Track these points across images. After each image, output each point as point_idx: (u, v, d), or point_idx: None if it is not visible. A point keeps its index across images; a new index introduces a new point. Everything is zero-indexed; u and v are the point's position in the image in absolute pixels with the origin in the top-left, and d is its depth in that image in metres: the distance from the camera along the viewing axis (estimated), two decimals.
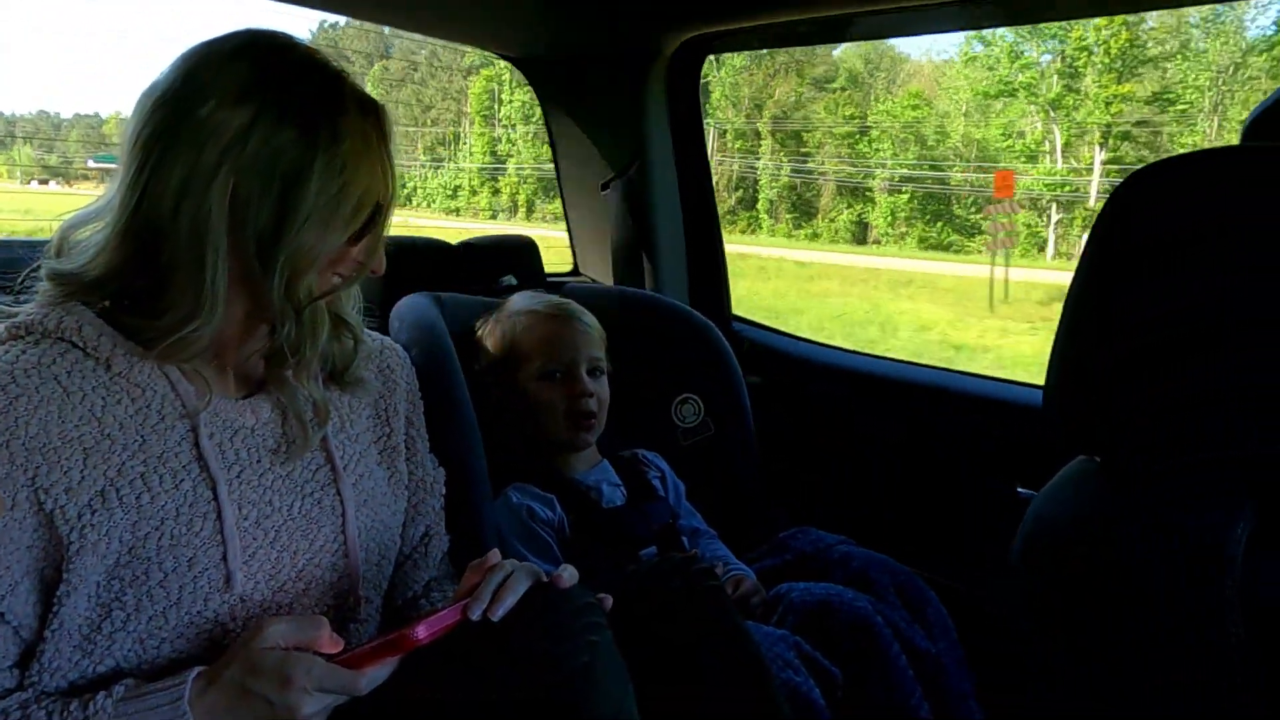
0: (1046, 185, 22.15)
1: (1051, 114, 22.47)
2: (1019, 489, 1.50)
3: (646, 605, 0.97)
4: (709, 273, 2.03)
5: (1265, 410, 0.63)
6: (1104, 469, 0.76)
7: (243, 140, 0.78)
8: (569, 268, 2.16)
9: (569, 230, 2.13)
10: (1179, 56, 22.52)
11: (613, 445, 1.57)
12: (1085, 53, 22.11)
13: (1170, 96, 22.26)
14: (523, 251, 1.83)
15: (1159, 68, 22.80)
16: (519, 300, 1.49)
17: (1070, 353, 0.75)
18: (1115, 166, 21.52)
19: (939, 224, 24.39)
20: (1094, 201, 20.81)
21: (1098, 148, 22.17)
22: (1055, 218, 21.99)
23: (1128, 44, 21.57)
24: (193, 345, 0.81)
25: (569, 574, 0.88)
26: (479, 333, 1.48)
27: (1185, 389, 0.66)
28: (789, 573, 1.39)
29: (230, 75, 0.80)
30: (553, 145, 2.05)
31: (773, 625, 1.20)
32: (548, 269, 1.90)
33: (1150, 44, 22.58)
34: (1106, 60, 21.79)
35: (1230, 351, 0.63)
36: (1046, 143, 22.97)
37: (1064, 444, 0.79)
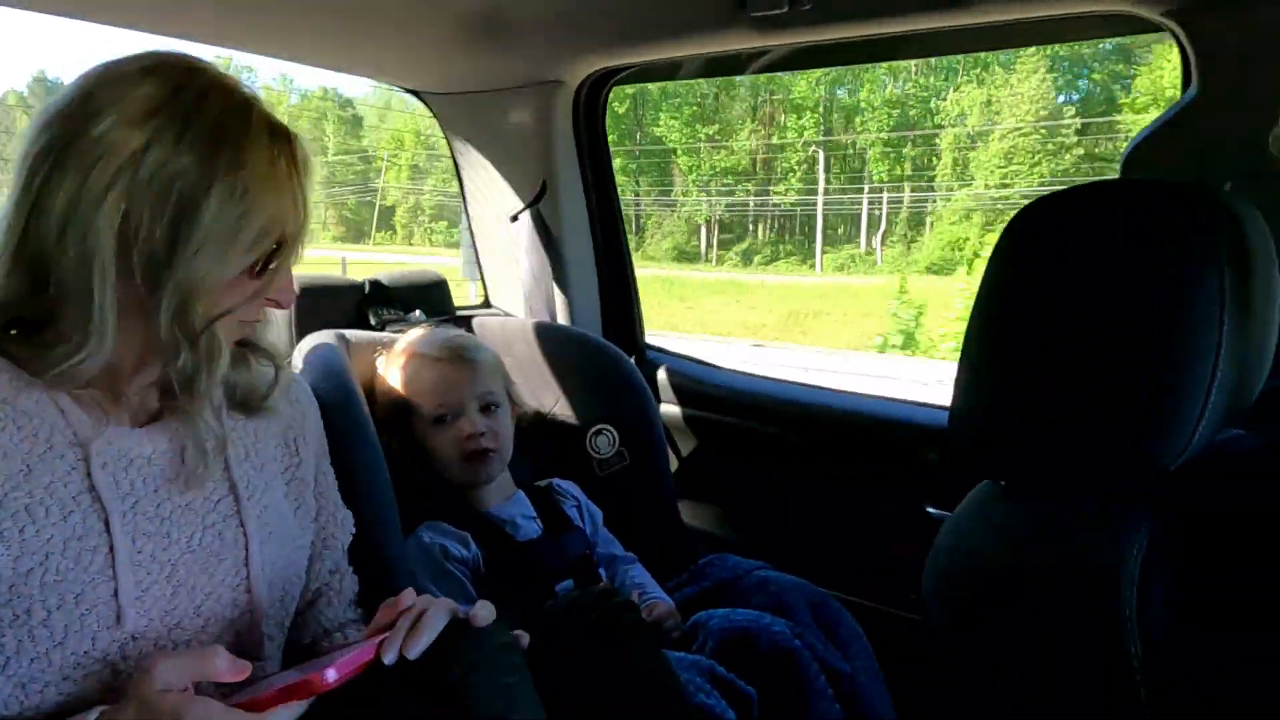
0: None
1: None
2: (928, 509, 1.54)
3: (565, 641, 0.96)
4: (621, 302, 2.04)
5: (1160, 430, 0.66)
6: (1009, 493, 0.79)
7: (137, 162, 0.75)
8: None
9: (479, 263, 2.12)
10: None
11: (528, 477, 1.56)
12: None
13: None
14: (432, 288, 1.82)
15: None
16: (409, 341, 1.47)
17: (972, 380, 0.77)
18: None
19: None
20: None
21: None
22: None
23: None
24: (82, 374, 0.77)
25: (486, 611, 0.86)
26: (376, 380, 1.46)
27: (1081, 411, 0.68)
28: (708, 600, 1.40)
29: (133, 95, 0.76)
30: (459, 178, 2.04)
31: (692, 652, 1.20)
32: None
33: None
34: None
35: (1121, 374, 0.66)
36: None
37: (970, 469, 0.81)
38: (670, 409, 1.93)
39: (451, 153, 2.03)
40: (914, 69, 28.76)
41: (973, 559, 0.77)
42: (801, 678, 1.18)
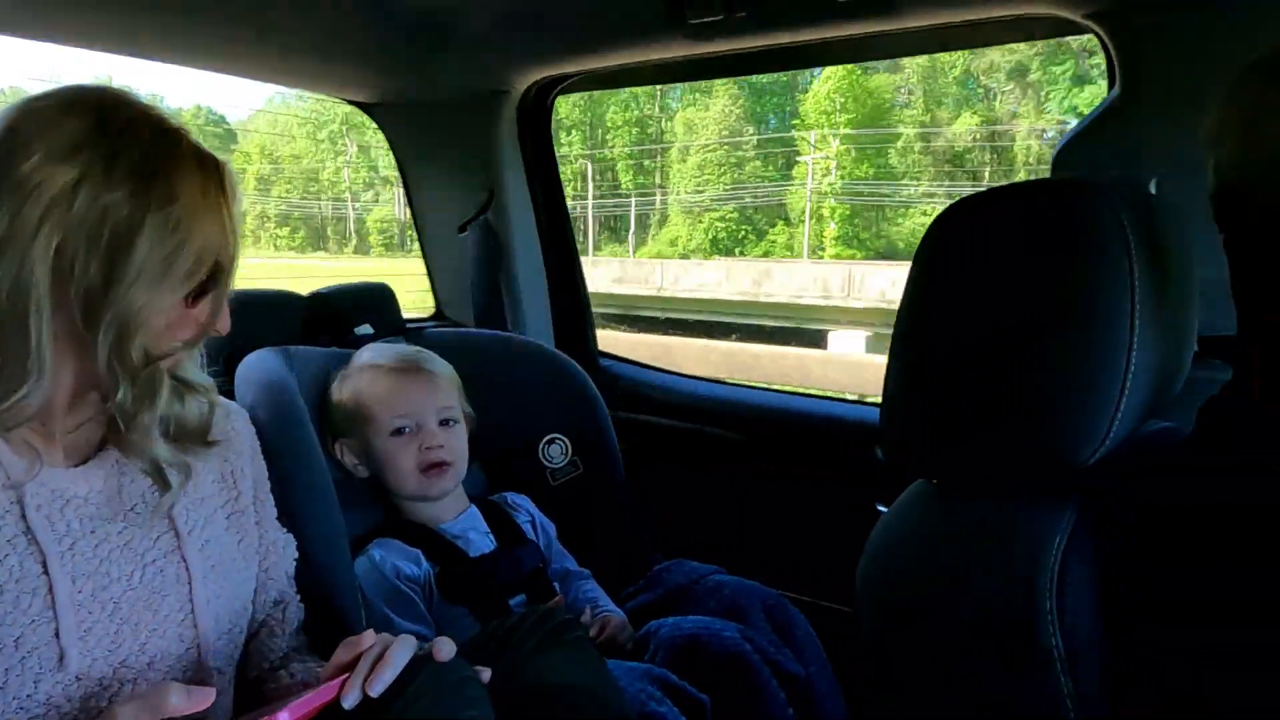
0: None
1: None
2: (879, 506, 1.55)
3: (512, 663, 0.95)
4: (572, 310, 2.03)
5: (1073, 426, 0.67)
6: (941, 491, 0.79)
7: (69, 198, 0.74)
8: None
9: (429, 274, 2.10)
10: None
11: (482, 490, 1.55)
12: None
13: None
14: (378, 299, 1.79)
15: None
16: (367, 354, 1.46)
17: (900, 377, 0.78)
18: None
19: None
20: None
21: None
22: None
23: None
24: (19, 414, 0.77)
25: (447, 646, 0.86)
26: (331, 392, 1.44)
27: (997, 410, 0.69)
28: (664, 606, 1.40)
29: (58, 130, 0.76)
30: (406, 189, 2.03)
31: (643, 662, 1.20)
32: None
33: None
34: None
35: (1031, 373, 0.67)
36: None
37: (901, 467, 0.82)
38: (623, 416, 1.93)
39: (398, 164, 2.02)
40: (657, 93, 33.84)
41: (899, 556, 0.77)
42: (754, 682, 1.18)
